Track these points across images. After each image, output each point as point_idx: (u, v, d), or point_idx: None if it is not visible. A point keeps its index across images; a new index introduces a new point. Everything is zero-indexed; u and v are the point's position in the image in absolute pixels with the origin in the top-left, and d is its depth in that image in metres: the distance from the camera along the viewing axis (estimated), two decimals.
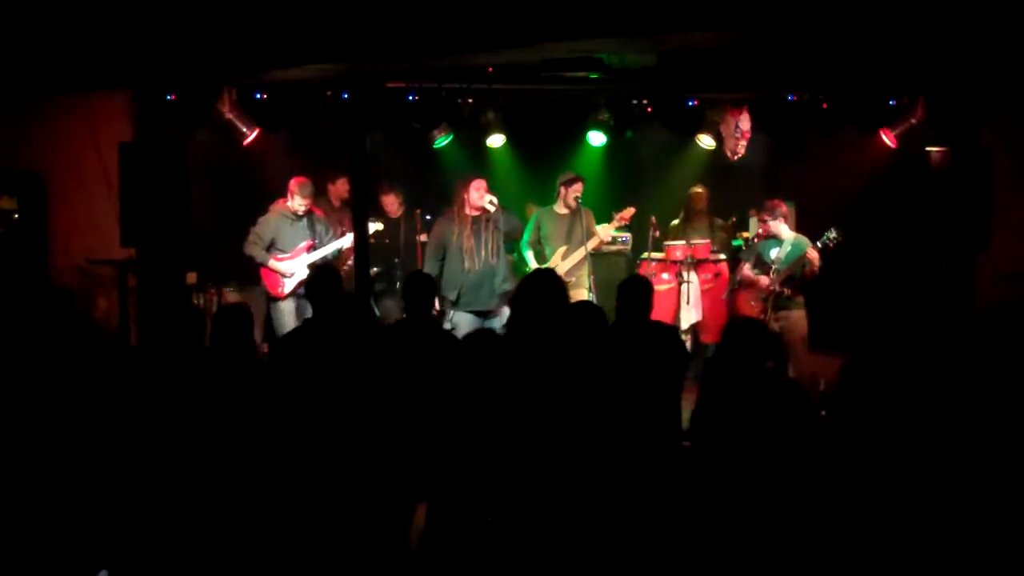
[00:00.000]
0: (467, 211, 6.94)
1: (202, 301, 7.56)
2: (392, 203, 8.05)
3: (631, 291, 4.64)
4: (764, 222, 7.14)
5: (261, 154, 7.82)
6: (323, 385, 4.01)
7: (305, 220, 7.33)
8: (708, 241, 7.97)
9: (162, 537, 3.80)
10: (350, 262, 7.63)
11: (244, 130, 7.60)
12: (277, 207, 7.33)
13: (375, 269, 7.71)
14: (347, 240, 7.44)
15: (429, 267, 6.98)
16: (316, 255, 7.30)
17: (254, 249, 7.23)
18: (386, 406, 3.96)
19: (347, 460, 3.83)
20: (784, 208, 7.17)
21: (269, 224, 7.29)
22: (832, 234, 6.80)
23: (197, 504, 3.80)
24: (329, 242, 7.42)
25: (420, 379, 4.16)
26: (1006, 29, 5.76)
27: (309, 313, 7.11)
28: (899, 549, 3.17)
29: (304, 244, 7.29)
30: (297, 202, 7.23)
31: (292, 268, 7.22)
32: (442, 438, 3.67)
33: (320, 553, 3.77)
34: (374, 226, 7.46)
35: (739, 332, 3.82)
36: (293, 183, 7.26)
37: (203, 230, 7.40)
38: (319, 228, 7.41)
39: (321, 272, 5.11)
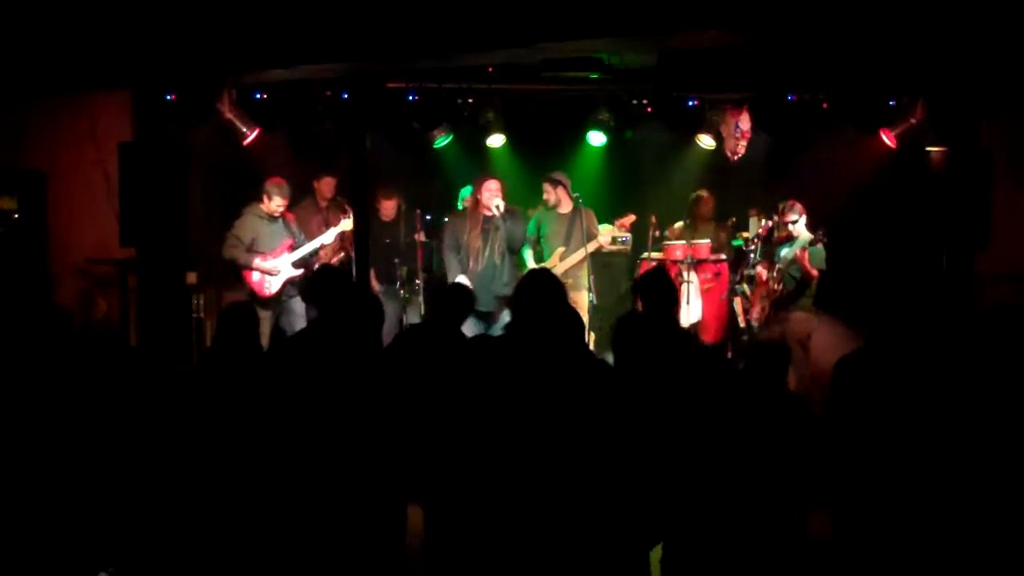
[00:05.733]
0: (480, 210, 6.96)
1: (202, 301, 7.56)
2: (390, 208, 8.04)
3: (653, 287, 4.64)
4: (793, 222, 7.11)
5: (261, 154, 7.81)
6: (328, 387, 3.97)
7: (280, 220, 7.32)
8: (708, 241, 7.97)
9: (161, 539, 3.80)
10: (334, 262, 7.64)
11: (244, 130, 7.60)
12: (251, 208, 7.29)
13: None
14: (327, 237, 7.44)
15: (448, 261, 7.06)
16: (298, 254, 7.29)
17: (235, 252, 7.19)
18: (390, 409, 3.94)
19: (347, 462, 3.82)
20: (800, 206, 7.15)
21: (246, 226, 7.24)
22: (818, 233, 6.82)
23: (197, 505, 3.80)
24: (306, 240, 7.41)
25: (429, 383, 4.14)
26: (1006, 29, 5.76)
27: (293, 317, 7.26)
28: (896, 548, 3.17)
29: (284, 243, 7.28)
30: (275, 203, 7.19)
31: (277, 267, 7.22)
32: (440, 441, 3.67)
33: (319, 553, 3.76)
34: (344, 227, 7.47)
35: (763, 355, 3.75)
36: (270, 184, 7.21)
37: (203, 230, 7.40)
38: (293, 227, 7.41)
39: (328, 272, 5.07)
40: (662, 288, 4.65)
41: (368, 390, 3.92)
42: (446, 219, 7.65)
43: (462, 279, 6.95)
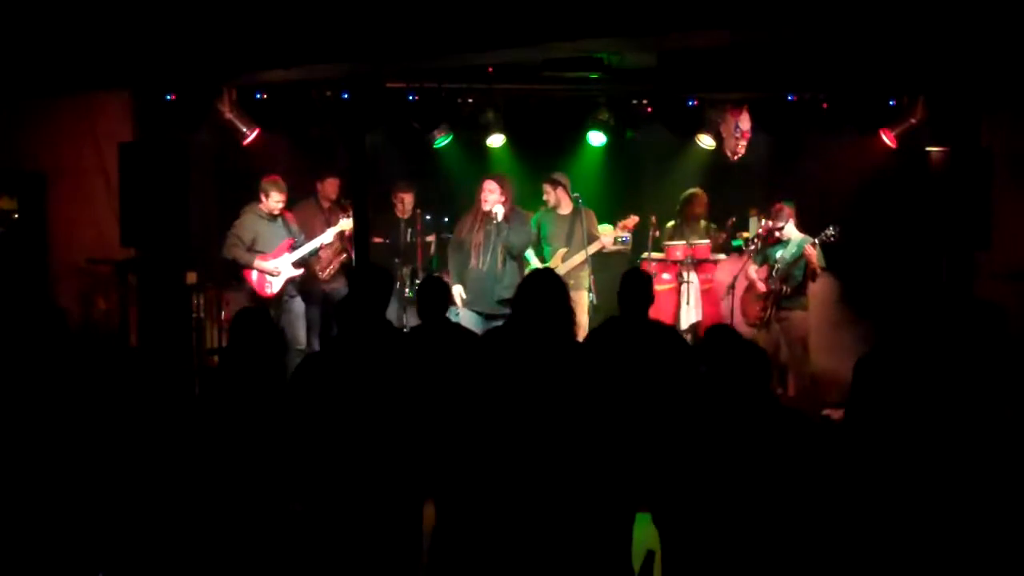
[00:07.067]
0: (483, 211, 6.97)
1: (202, 301, 7.56)
2: (408, 202, 8.04)
3: (631, 285, 4.68)
4: (779, 229, 7.12)
5: (261, 154, 7.81)
6: (351, 390, 3.93)
7: (280, 219, 7.32)
8: (708, 242, 7.97)
9: (164, 540, 3.80)
10: (329, 269, 7.64)
11: (244, 130, 7.60)
12: (251, 208, 7.29)
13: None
14: (327, 236, 7.44)
15: (449, 261, 7.18)
16: (298, 253, 7.29)
17: (236, 251, 7.19)
18: (405, 409, 3.93)
19: (361, 462, 3.81)
20: (788, 210, 7.17)
21: (246, 225, 7.24)
22: (829, 230, 6.83)
23: (201, 506, 3.80)
24: (306, 240, 7.40)
25: (436, 381, 4.13)
26: (1006, 29, 5.76)
27: (293, 317, 7.26)
28: (915, 550, 3.16)
29: (284, 243, 7.28)
30: (273, 200, 7.19)
31: (278, 267, 7.21)
32: (453, 437, 3.67)
33: (330, 555, 3.76)
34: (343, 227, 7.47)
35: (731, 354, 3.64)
36: (266, 182, 7.21)
37: (203, 230, 7.40)
38: (293, 227, 7.40)
39: (379, 274, 4.94)
40: (633, 288, 4.69)
41: (390, 388, 3.90)
42: (427, 217, 7.80)
43: (457, 288, 6.94)
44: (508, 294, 6.83)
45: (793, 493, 3.19)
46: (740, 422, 3.29)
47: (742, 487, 3.19)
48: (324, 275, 7.60)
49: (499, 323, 6.80)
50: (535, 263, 7.49)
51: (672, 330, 5.02)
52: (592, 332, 4.86)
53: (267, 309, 4.54)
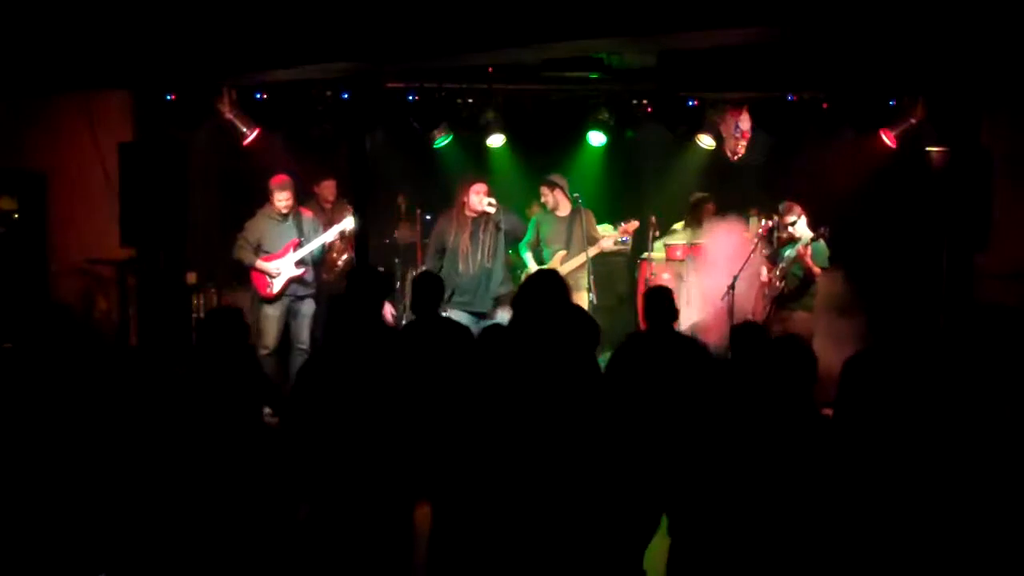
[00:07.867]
0: (466, 213, 6.95)
1: (202, 301, 7.56)
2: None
3: (655, 301, 4.77)
4: (792, 224, 7.10)
5: (261, 154, 7.80)
6: (343, 391, 3.94)
7: (291, 219, 7.29)
8: (706, 241, 7.96)
9: (162, 539, 3.80)
10: (336, 269, 7.64)
11: (244, 130, 7.59)
12: (263, 210, 7.28)
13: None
14: (331, 234, 7.43)
15: (430, 265, 7.05)
16: (302, 252, 7.28)
17: (243, 253, 7.19)
18: (398, 407, 3.93)
19: (355, 462, 3.81)
20: (798, 207, 7.15)
21: (255, 226, 7.24)
22: (820, 229, 6.84)
23: (198, 505, 3.80)
24: (315, 239, 7.40)
25: (431, 378, 4.13)
26: (1006, 29, 5.76)
27: (300, 318, 7.25)
28: (904, 548, 3.16)
29: (290, 243, 7.27)
30: (279, 199, 7.18)
31: (279, 267, 7.20)
32: (450, 436, 3.67)
33: (323, 554, 3.76)
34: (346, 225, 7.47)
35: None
36: (272, 182, 7.21)
37: (203, 230, 7.39)
38: (306, 227, 7.35)
39: (373, 275, 4.98)
40: (660, 306, 4.74)
41: (383, 385, 3.90)
42: (427, 217, 7.72)
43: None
44: (503, 290, 6.88)
45: (821, 505, 3.17)
46: (778, 431, 3.25)
47: (771, 497, 3.17)
48: (328, 276, 7.60)
49: (491, 321, 6.81)
50: (532, 267, 7.48)
51: (697, 342, 5.04)
52: (618, 349, 4.89)
53: (238, 309, 4.55)
